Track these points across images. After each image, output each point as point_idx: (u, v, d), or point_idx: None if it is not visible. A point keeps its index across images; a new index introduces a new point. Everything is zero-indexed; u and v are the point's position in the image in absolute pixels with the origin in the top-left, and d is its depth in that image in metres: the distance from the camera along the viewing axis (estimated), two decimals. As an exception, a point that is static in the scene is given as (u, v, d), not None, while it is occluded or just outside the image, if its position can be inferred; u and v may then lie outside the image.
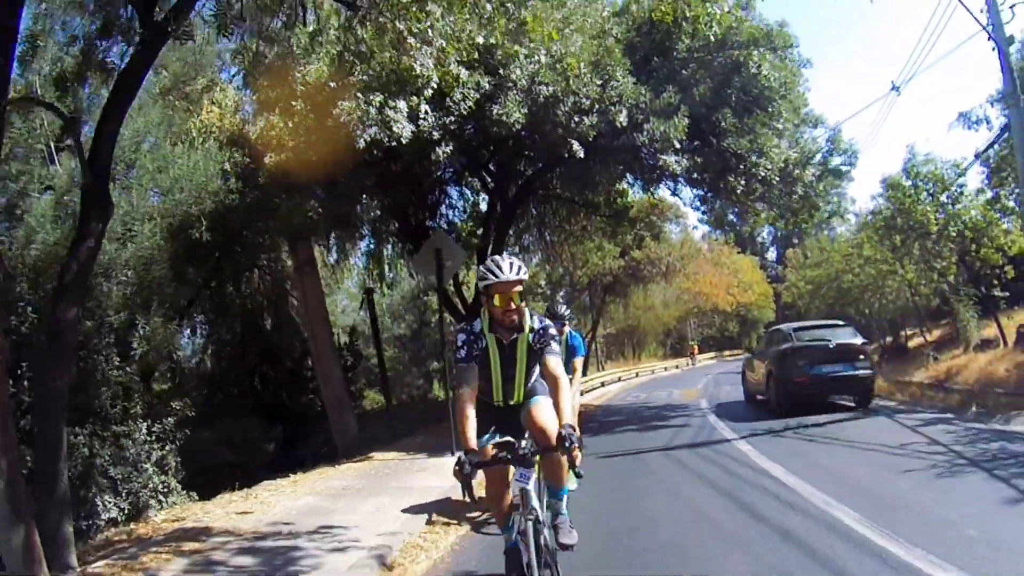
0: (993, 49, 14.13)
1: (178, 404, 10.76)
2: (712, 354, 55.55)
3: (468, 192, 19.75)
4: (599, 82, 12.12)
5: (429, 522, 7.35)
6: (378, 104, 9.73)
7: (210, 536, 7.05)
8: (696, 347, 57.33)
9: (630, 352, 56.13)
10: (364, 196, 14.39)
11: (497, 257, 4.60)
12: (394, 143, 10.16)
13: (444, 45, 7.19)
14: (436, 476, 9.43)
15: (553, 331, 4.74)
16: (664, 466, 10.36)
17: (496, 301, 4.55)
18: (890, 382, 19.73)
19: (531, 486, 4.39)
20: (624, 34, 13.34)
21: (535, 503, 4.39)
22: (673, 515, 7.20)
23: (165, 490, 9.85)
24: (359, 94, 9.52)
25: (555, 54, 11.52)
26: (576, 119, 11.94)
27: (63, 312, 6.04)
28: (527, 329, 4.70)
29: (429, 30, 6.84)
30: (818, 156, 16.17)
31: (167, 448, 9.91)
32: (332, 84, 9.89)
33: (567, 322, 8.00)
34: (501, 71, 11.01)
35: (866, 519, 6.07)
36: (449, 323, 19.85)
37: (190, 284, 12.75)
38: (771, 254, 73.75)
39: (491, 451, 4.67)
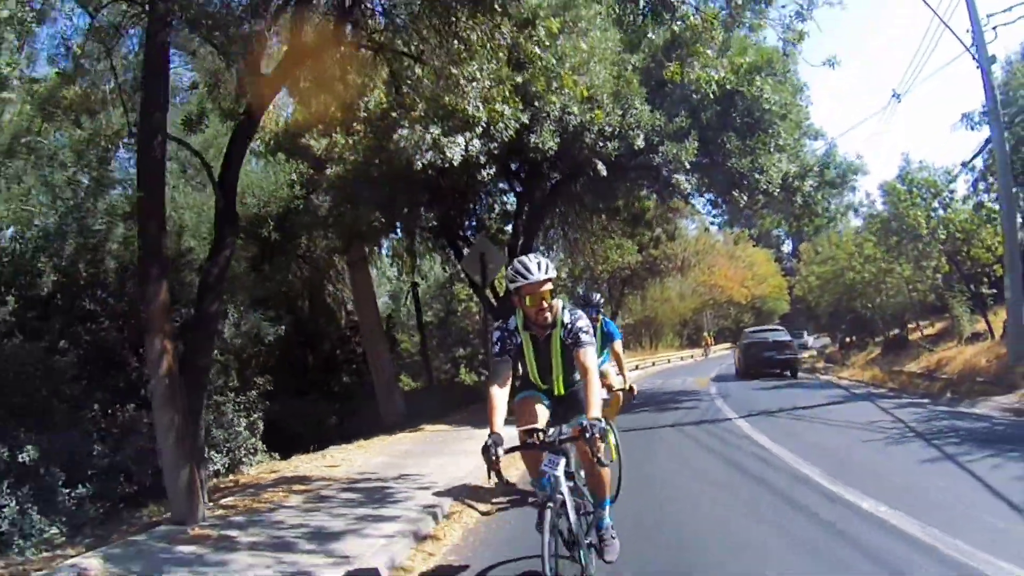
0: (977, 67, 15.36)
1: (260, 380, 12.52)
2: (728, 345, 55.91)
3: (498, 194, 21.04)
4: (620, 111, 13.53)
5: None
6: (435, 136, 10.67)
7: (311, 482, 8.84)
8: (710, 338, 57.80)
9: (648, 342, 57.21)
10: (421, 208, 16.01)
11: (525, 258, 4.66)
12: (446, 165, 11.25)
13: (490, 86, 8.76)
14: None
15: (583, 324, 4.76)
16: (674, 437, 12.04)
17: (528, 302, 4.64)
18: (885, 372, 21.31)
19: (559, 471, 4.40)
20: (641, 62, 14.45)
21: (562, 488, 4.38)
22: (676, 470, 8.95)
23: (253, 450, 11.57)
24: (417, 125, 10.47)
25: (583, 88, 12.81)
26: (600, 143, 13.35)
27: (208, 306, 7.78)
28: (559, 325, 4.79)
29: (478, 72, 8.43)
30: (815, 168, 17.56)
31: (253, 416, 11.66)
32: (393, 114, 11.04)
33: (600, 310, 7.90)
34: (536, 103, 12.42)
35: (823, 472, 7.78)
36: (476, 312, 21.61)
37: (265, 278, 14.45)
38: (787, 246, 73.85)
39: (522, 437, 4.70)
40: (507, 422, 4.38)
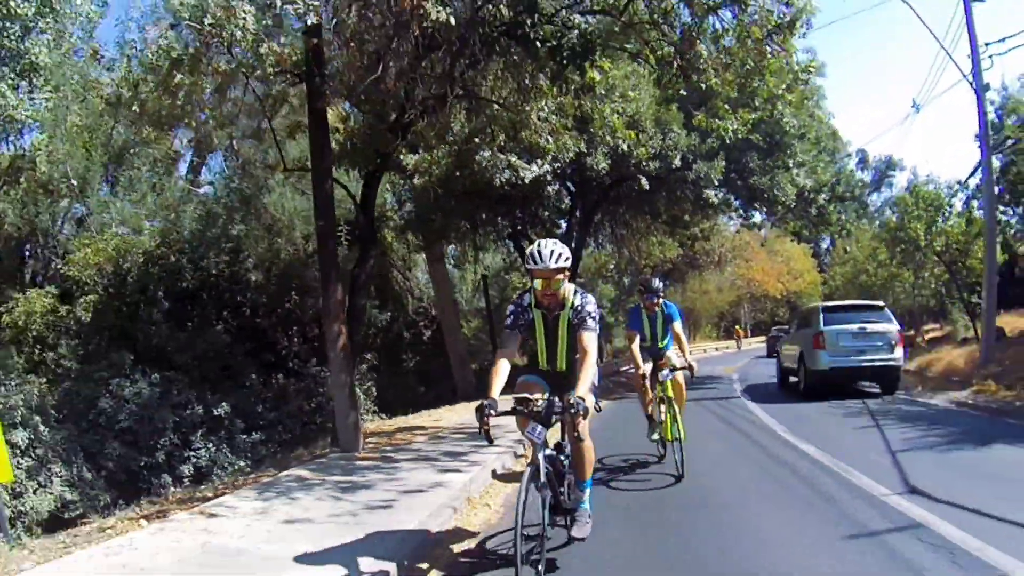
0: (973, 90, 16.96)
1: (368, 355, 15.30)
2: (762, 338, 56.43)
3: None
4: (661, 134, 15.97)
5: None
6: (511, 161, 12.28)
7: (425, 430, 11.66)
8: (742, 331, 59.98)
9: (688, 332, 59.08)
10: (497, 216, 18.79)
11: (542, 245, 4.91)
12: (519, 183, 13.15)
13: (555, 121, 11.11)
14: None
15: (591, 309, 5.03)
16: (693, 410, 14.62)
17: (538, 284, 4.92)
18: None
19: (539, 439, 4.66)
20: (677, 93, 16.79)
21: (539, 456, 4.66)
22: (705, 438, 11.42)
23: (366, 410, 14.38)
24: (499, 152, 12.14)
25: (631, 115, 14.89)
26: (644, 163, 15.69)
27: (358, 301, 10.61)
28: (568, 306, 5.04)
29: (550, 115, 10.94)
30: (828, 183, 20.00)
31: (367, 383, 14.42)
32: (476, 139, 12.40)
33: (660, 294, 8.26)
34: (591, 129, 14.42)
35: (788, 430, 10.72)
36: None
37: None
38: (825, 242, 74.87)
39: (516, 403, 4.88)
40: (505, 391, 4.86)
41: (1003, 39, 16.90)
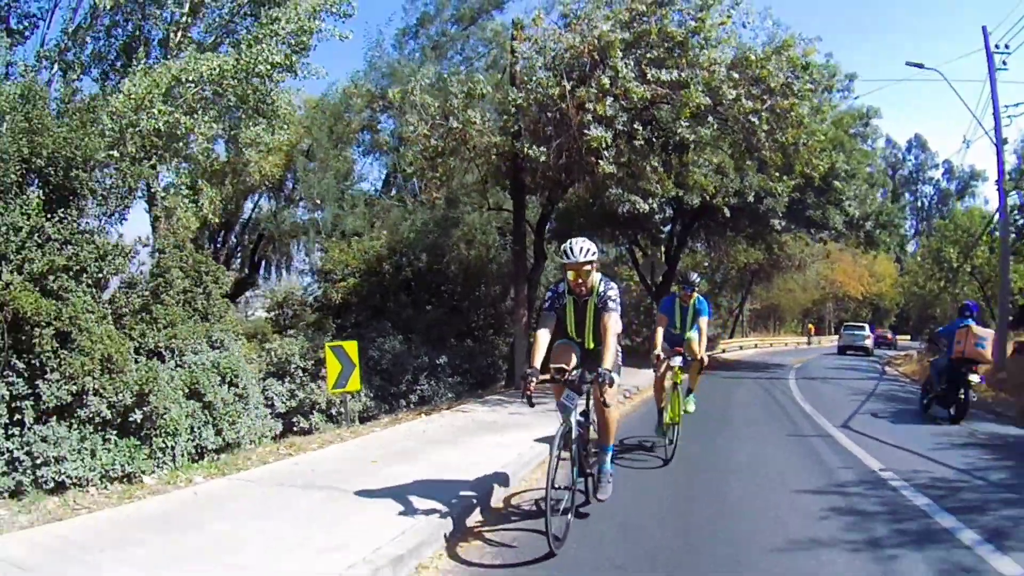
0: (994, 144, 20.26)
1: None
2: (834, 336, 58.04)
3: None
4: (740, 178, 20.32)
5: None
6: (631, 198, 14.85)
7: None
8: (813, 327, 62.57)
9: (772, 326, 63.01)
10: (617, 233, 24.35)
11: (573, 241, 5.51)
12: (637, 212, 16.08)
13: (662, 173, 15.89)
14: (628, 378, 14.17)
15: (613, 294, 5.52)
16: (749, 382, 20.07)
17: (570, 276, 5.51)
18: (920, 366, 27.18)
19: (572, 404, 5.28)
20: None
21: (572, 419, 5.26)
22: (743, 397, 16.48)
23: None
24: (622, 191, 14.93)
25: (718, 162, 19.10)
26: (726, 199, 19.95)
27: (533, 294, 16.17)
28: (594, 292, 5.58)
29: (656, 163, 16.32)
30: (874, 213, 24.98)
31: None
32: (608, 181, 14.57)
33: (695, 288, 8.56)
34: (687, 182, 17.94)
35: (804, 398, 15.62)
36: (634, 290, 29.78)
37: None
38: (911, 246, 76.45)
39: (551, 373, 5.49)
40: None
41: (1018, 103, 20.81)
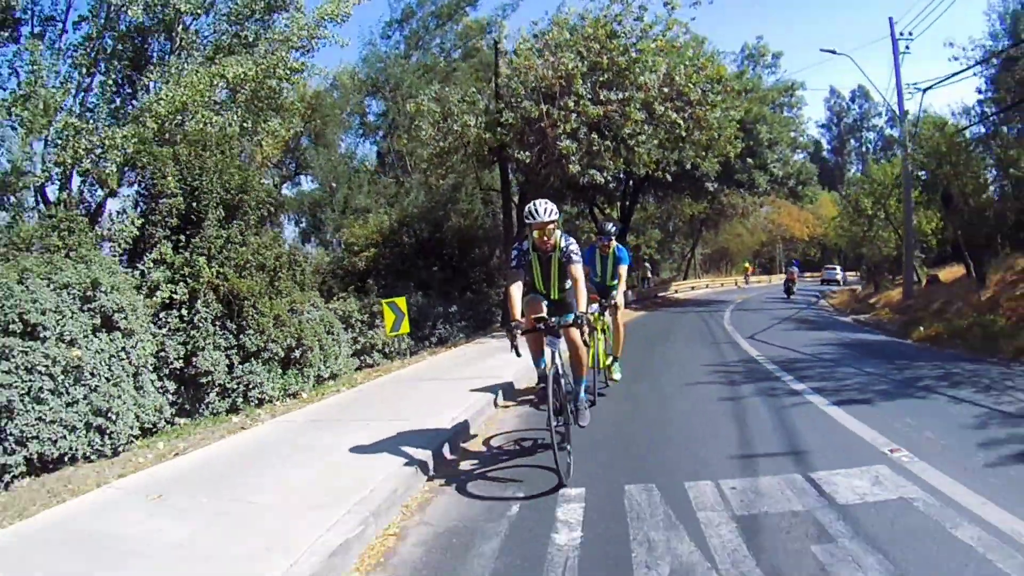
0: (898, 116, 23.94)
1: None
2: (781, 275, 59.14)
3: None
4: (679, 153, 24.04)
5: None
6: (589, 171, 19.57)
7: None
8: (750, 267, 65.09)
9: (725, 268, 67.58)
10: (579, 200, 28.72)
11: (537, 203, 5.97)
12: (593, 182, 20.75)
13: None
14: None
15: (574, 248, 6.08)
16: (692, 315, 24.36)
17: (536, 234, 6.01)
18: (851, 299, 32.07)
19: (555, 347, 5.83)
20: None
21: (558, 360, 5.78)
22: (684, 323, 20.81)
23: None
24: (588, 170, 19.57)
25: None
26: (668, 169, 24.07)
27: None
28: (557, 248, 6.13)
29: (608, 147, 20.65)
30: (795, 173, 29.85)
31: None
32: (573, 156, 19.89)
33: (612, 237, 9.10)
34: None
35: (732, 324, 20.26)
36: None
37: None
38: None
39: (531, 322, 6.00)
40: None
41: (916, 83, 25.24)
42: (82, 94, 11.40)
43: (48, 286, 6.99)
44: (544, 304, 6.40)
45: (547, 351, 5.95)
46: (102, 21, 11.54)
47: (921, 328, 16.55)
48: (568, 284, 6.32)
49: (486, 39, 28.19)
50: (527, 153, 17.69)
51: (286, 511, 4.94)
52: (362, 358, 14.29)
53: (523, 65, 17.33)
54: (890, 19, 24.27)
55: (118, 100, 11.79)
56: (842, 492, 5.02)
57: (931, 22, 67.97)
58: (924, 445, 6.18)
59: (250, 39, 12.90)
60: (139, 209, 10.15)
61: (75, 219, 8.89)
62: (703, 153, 21.58)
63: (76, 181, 11.03)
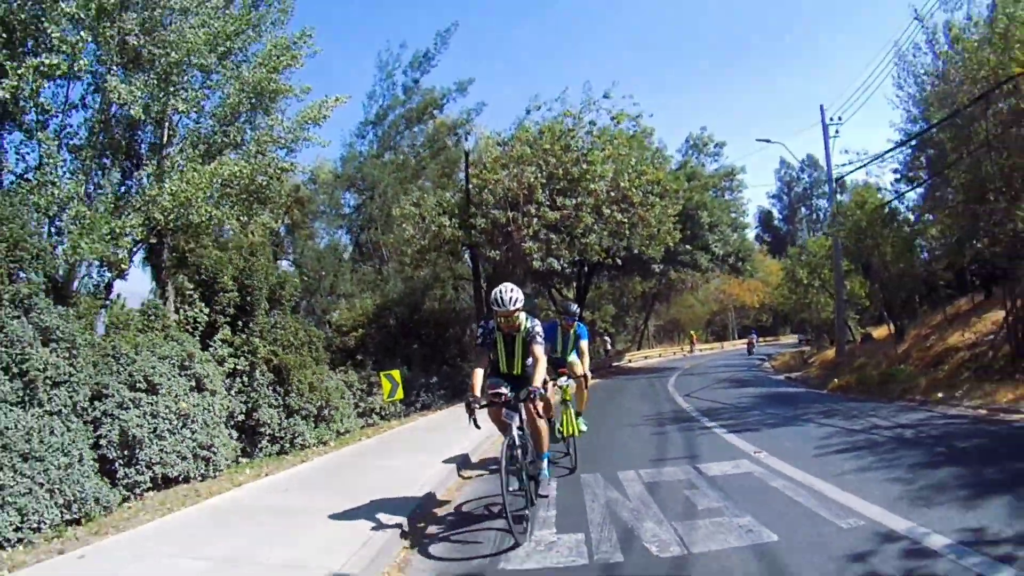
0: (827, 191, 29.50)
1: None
2: (741, 341, 64.18)
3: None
4: (628, 241, 27.89)
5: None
6: (548, 260, 23.36)
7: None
8: (696, 335, 68.06)
9: (677, 337, 69.95)
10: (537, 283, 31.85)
11: (503, 289, 6.42)
12: (550, 268, 24.18)
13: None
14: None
15: (538, 329, 6.51)
16: (642, 380, 27.40)
17: (500, 320, 6.49)
18: (794, 359, 35.23)
19: (515, 422, 6.27)
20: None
21: (515, 432, 6.15)
22: (634, 387, 23.81)
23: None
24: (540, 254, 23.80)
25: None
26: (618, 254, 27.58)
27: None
28: (522, 330, 6.60)
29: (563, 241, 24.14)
30: (735, 252, 33.78)
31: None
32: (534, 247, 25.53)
33: (576, 317, 9.67)
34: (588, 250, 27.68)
35: (676, 387, 23.43)
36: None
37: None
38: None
39: (489, 397, 6.45)
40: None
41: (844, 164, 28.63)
42: (84, 183, 11.78)
43: (154, 356, 9.75)
44: (504, 387, 6.73)
45: (509, 420, 6.44)
46: (99, 114, 12.08)
47: (836, 380, 19.67)
48: (530, 361, 6.71)
49: (451, 138, 32.38)
50: (496, 252, 21.10)
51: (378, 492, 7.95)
52: (364, 418, 17.11)
53: (491, 178, 20.80)
54: (821, 107, 27.24)
55: (122, 189, 12.77)
56: (712, 471, 8.27)
57: (872, 92, 73.07)
58: (779, 449, 9.42)
59: (238, 140, 13.89)
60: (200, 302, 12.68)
61: (158, 307, 11.66)
62: (647, 242, 24.89)
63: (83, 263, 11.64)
